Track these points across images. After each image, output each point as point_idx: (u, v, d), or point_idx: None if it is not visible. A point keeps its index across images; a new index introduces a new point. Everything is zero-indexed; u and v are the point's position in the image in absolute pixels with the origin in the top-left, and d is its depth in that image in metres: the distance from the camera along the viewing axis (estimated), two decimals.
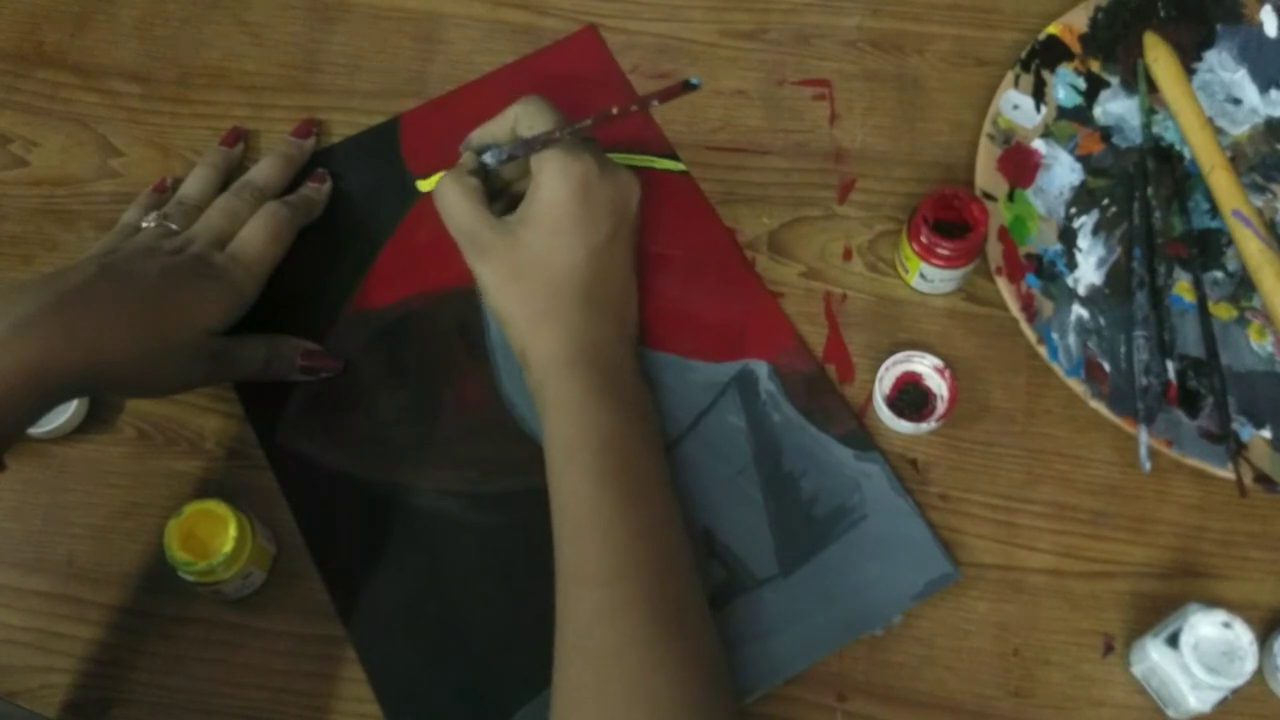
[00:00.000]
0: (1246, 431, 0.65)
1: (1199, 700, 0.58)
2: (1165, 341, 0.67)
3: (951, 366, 0.66)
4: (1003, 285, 0.68)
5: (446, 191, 0.65)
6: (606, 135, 0.74)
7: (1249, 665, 0.58)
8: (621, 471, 0.59)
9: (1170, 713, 0.61)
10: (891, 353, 0.67)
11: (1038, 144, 0.73)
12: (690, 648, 0.55)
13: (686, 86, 0.61)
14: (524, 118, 0.64)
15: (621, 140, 0.74)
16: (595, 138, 0.65)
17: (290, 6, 0.80)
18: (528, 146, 0.64)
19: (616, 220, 0.64)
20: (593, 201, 0.63)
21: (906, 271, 0.70)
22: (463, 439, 0.67)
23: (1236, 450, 0.64)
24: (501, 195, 0.68)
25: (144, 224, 0.68)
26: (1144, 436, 0.64)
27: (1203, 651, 0.58)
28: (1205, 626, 0.58)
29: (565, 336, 0.62)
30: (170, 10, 0.80)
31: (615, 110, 0.62)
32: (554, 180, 0.62)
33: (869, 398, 0.68)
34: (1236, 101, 0.74)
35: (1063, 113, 0.73)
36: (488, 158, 0.66)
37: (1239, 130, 0.73)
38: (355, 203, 0.74)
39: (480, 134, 0.67)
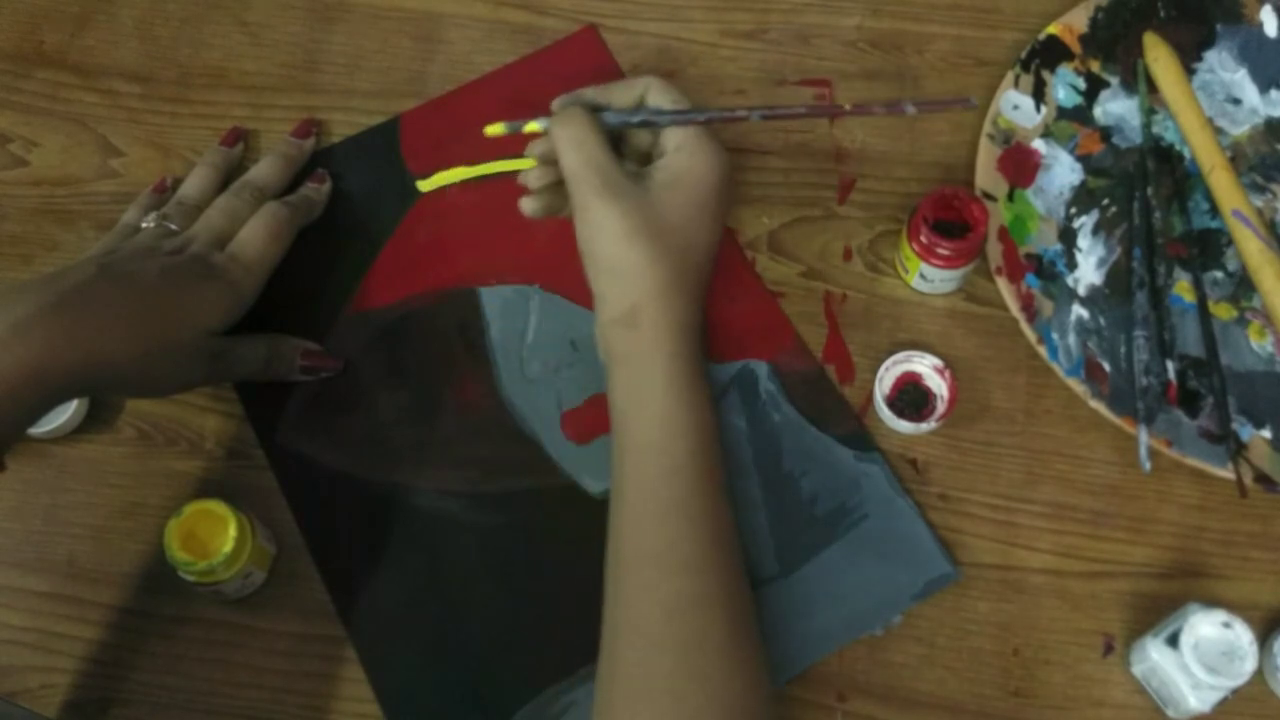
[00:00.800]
0: (1246, 431, 0.65)
1: (1199, 700, 0.58)
2: (1165, 341, 0.67)
3: (951, 366, 0.66)
4: (1003, 285, 0.68)
5: (578, 122, 0.61)
6: None
7: (1249, 665, 0.58)
8: (715, 461, 0.58)
9: (1170, 713, 0.61)
10: (891, 353, 0.67)
11: (1038, 144, 0.73)
12: (754, 653, 0.55)
13: (963, 103, 0.61)
14: (654, 92, 0.62)
15: None
16: None
17: (290, 6, 0.80)
18: (656, 117, 0.61)
19: (725, 225, 0.63)
20: (725, 197, 0.62)
21: (906, 271, 0.70)
22: (463, 439, 0.67)
23: (1236, 450, 0.64)
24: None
25: (144, 224, 0.68)
26: (1144, 436, 0.64)
27: (1203, 651, 0.58)
28: (1205, 626, 0.58)
29: (688, 311, 0.60)
30: (170, 10, 0.80)
31: (803, 108, 0.62)
32: (710, 158, 0.61)
33: (869, 398, 0.68)
34: (1236, 101, 0.74)
35: (1063, 113, 0.73)
36: (612, 117, 0.62)
37: (1239, 130, 0.73)
38: (355, 203, 0.74)
39: (598, 92, 0.63)
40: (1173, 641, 0.59)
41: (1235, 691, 0.58)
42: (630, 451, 0.58)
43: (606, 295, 0.60)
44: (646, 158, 0.64)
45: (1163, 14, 0.75)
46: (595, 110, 0.63)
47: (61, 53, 0.79)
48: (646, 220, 0.59)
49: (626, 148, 0.65)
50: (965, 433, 0.67)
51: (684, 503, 0.57)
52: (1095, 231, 0.71)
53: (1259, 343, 0.68)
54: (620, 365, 0.60)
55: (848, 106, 0.62)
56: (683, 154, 0.61)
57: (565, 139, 0.61)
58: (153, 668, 0.64)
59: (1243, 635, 0.58)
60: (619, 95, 0.64)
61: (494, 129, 0.65)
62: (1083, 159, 0.73)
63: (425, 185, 0.74)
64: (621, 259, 0.59)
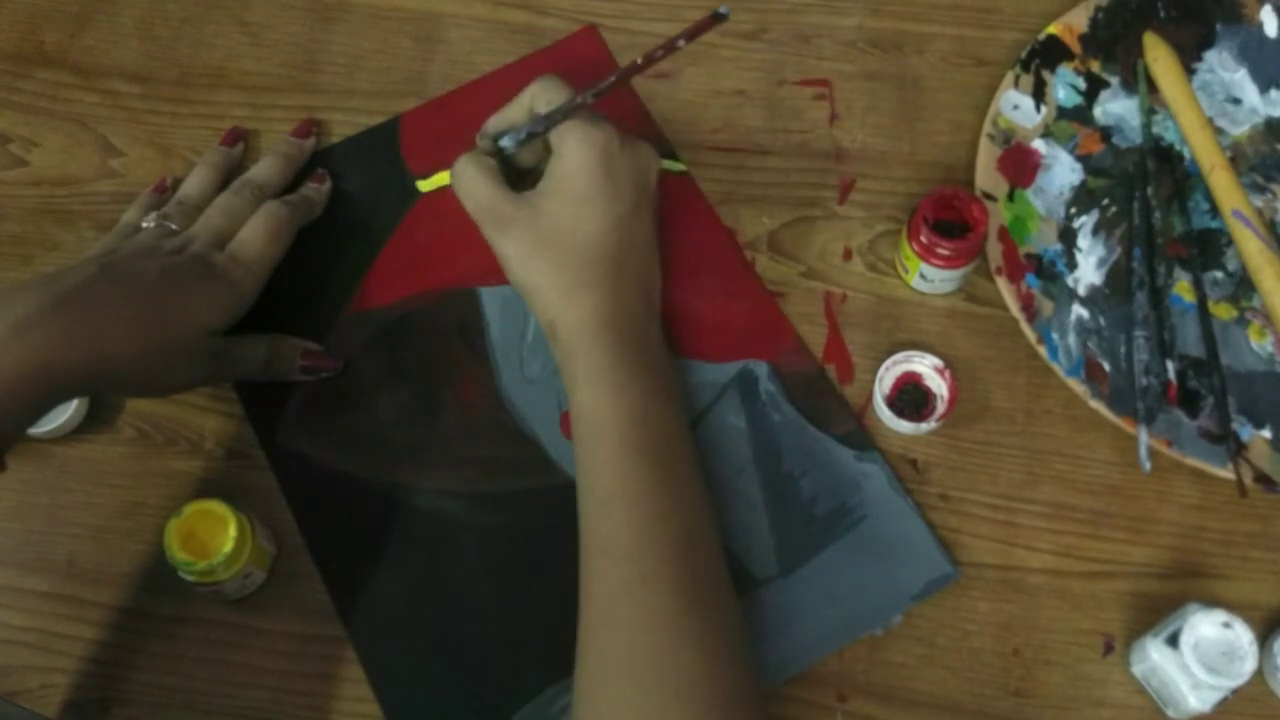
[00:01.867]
0: (1246, 431, 0.65)
1: (1199, 700, 0.58)
2: (1165, 341, 0.67)
3: (951, 366, 0.66)
4: (1003, 285, 0.68)
5: (462, 171, 0.64)
6: None
7: (1249, 665, 0.58)
8: (650, 444, 0.58)
9: (1170, 713, 0.61)
10: (891, 353, 0.67)
11: (1038, 144, 0.73)
12: (717, 622, 0.55)
13: (715, 18, 0.57)
14: (541, 96, 0.64)
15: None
16: (610, 118, 0.65)
17: (290, 6, 0.80)
18: (547, 121, 0.63)
19: (638, 191, 0.63)
20: (615, 171, 0.62)
21: (906, 271, 0.70)
22: (463, 439, 0.67)
23: (1236, 450, 0.64)
24: (523, 181, 0.67)
25: (144, 224, 0.68)
26: (1144, 436, 0.64)
27: (1203, 651, 0.58)
28: (1205, 626, 0.58)
29: (594, 306, 0.61)
30: (170, 10, 0.80)
31: (640, 60, 0.60)
32: (576, 149, 0.62)
33: (869, 398, 0.68)
34: (1236, 101, 0.74)
35: (1063, 113, 0.73)
36: (506, 141, 0.65)
37: (1239, 130, 0.73)
38: (355, 203, 0.74)
39: (496, 120, 0.66)
40: (1173, 641, 0.59)
41: (1235, 691, 0.58)
42: (577, 447, 0.60)
43: (535, 318, 0.63)
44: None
45: (1163, 14, 0.75)
46: (499, 137, 0.65)
47: (61, 53, 0.79)
48: (535, 238, 0.62)
49: (541, 166, 0.66)
50: (965, 433, 0.67)
51: (618, 489, 0.57)
52: (1095, 231, 0.71)
53: (1259, 343, 0.68)
54: (562, 373, 0.62)
55: (639, 60, 0.60)
56: (557, 155, 0.63)
57: (459, 189, 0.65)
58: (153, 668, 0.64)
59: (1243, 635, 0.58)
60: (512, 115, 0.66)
61: (424, 185, 0.73)
62: (1083, 159, 0.73)
63: (425, 185, 0.74)
64: (525, 282, 0.63)
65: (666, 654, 0.53)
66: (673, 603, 0.54)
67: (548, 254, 0.62)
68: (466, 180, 0.64)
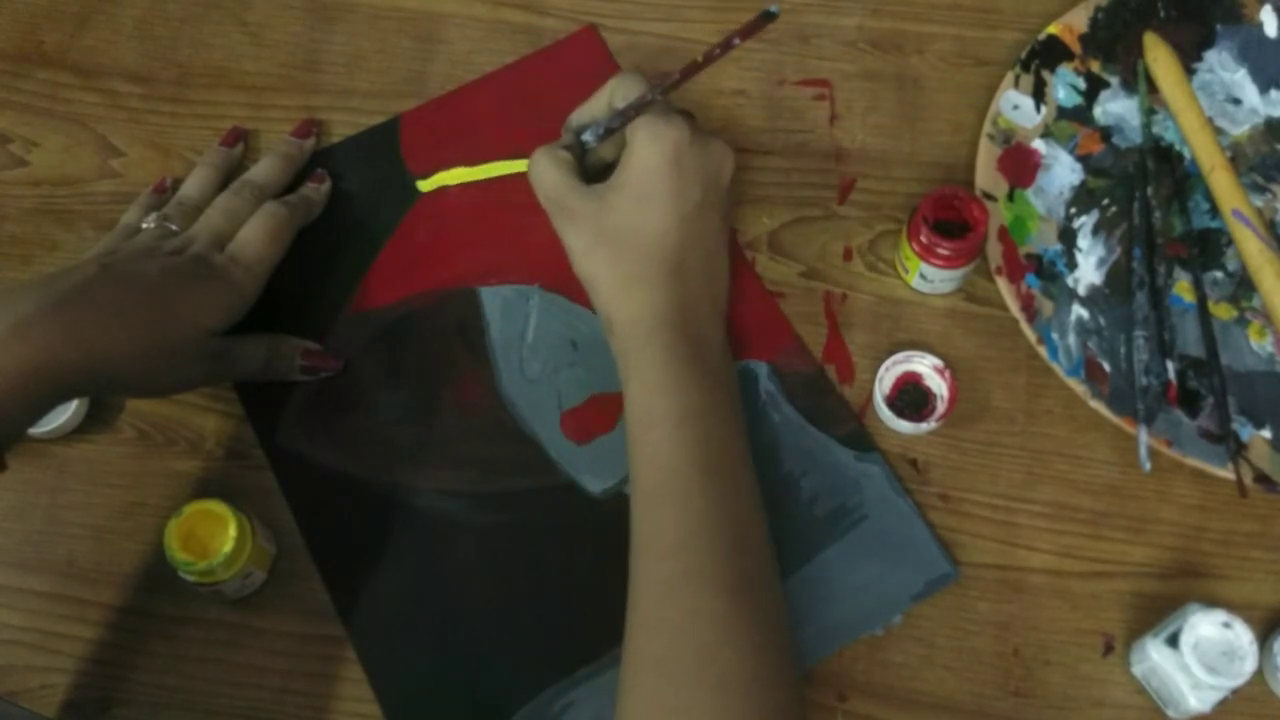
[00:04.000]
0: (1246, 431, 0.65)
1: (1199, 700, 0.58)
2: (1165, 341, 0.67)
3: (951, 366, 0.66)
4: (1003, 285, 0.68)
5: (536, 161, 0.64)
6: None
7: (1249, 665, 0.58)
8: (701, 443, 0.58)
9: (1170, 713, 0.61)
10: (891, 353, 0.67)
11: (1038, 144, 0.73)
12: (762, 623, 0.55)
13: (766, 17, 0.58)
14: (619, 90, 0.64)
15: None
16: (690, 111, 0.65)
17: (290, 6, 0.80)
18: (621, 117, 0.63)
19: (707, 189, 0.63)
20: (684, 168, 0.62)
21: (906, 271, 0.70)
22: (463, 439, 0.67)
23: (1236, 450, 0.64)
24: (604, 175, 0.66)
25: (144, 224, 0.68)
26: (1144, 436, 0.64)
27: (1203, 651, 0.58)
28: (1205, 626, 0.58)
29: (651, 302, 0.61)
30: (170, 10, 0.80)
31: (700, 58, 0.61)
32: (646, 146, 0.61)
33: (869, 398, 0.68)
34: (1236, 101, 0.74)
35: (1063, 113, 0.73)
36: (587, 135, 0.65)
37: (1239, 130, 0.73)
38: (355, 203, 0.74)
39: (579, 114, 0.66)
40: (1173, 641, 0.59)
41: (1235, 691, 0.58)
42: (629, 444, 0.59)
43: (595, 310, 0.63)
44: None
45: (1163, 14, 0.75)
46: (581, 131, 0.65)
47: (61, 53, 0.79)
48: (596, 231, 0.62)
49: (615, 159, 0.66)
50: (965, 433, 0.67)
51: (667, 486, 0.57)
52: (1095, 231, 0.71)
53: (1259, 343, 0.68)
54: (618, 367, 0.62)
55: (700, 59, 0.61)
56: (628, 150, 0.63)
57: (532, 179, 0.65)
58: (153, 668, 0.64)
59: (1243, 635, 0.58)
60: (593, 109, 0.66)
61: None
62: (1083, 159, 0.73)
63: (425, 185, 0.74)
64: (586, 273, 0.63)
65: (709, 652, 0.53)
66: (717, 601, 0.54)
67: (609, 248, 0.62)
68: (539, 170, 0.64)
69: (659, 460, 0.58)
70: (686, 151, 0.62)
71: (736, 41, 0.60)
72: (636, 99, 0.62)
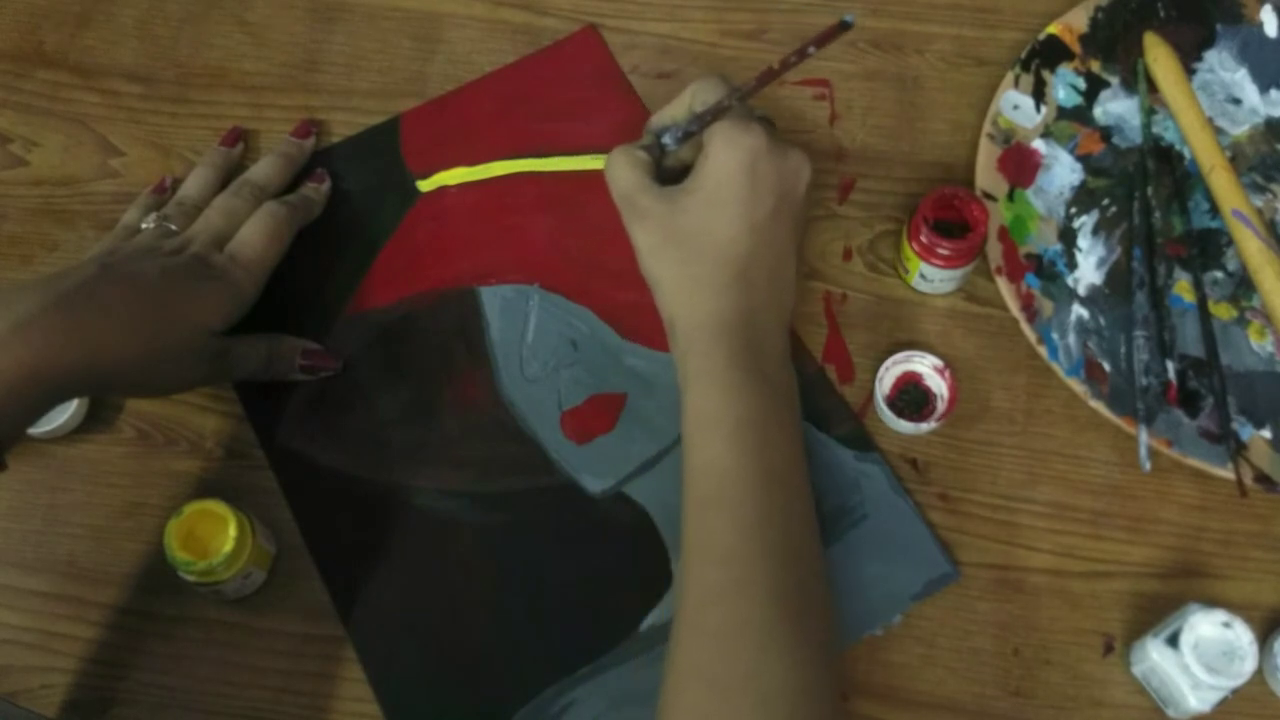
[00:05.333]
0: (1246, 431, 0.65)
1: (1199, 700, 0.58)
2: (1165, 341, 0.67)
3: (951, 366, 0.66)
4: (1003, 285, 0.68)
5: (614, 159, 0.64)
6: (606, 137, 0.74)
7: (1249, 665, 0.58)
8: (757, 450, 0.57)
9: (1170, 713, 0.61)
10: (891, 353, 0.67)
11: (1038, 144, 0.73)
12: (809, 636, 0.54)
13: (842, 26, 0.58)
14: (699, 94, 0.64)
15: (622, 141, 0.74)
16: (770, 118, 0.65)
17: (290, 6, 0.80)
18: (699, 121, 0.63)
19: (780, 198, 0.62)
20: (758, 175, 0.61)
21: (906, 271, 0.70)
22: (463, 439, 0.67)
23: (1236, 450, 0.64)
24: (682, 178, 0.65)
25: (144, 225, 0.68)
26: (1144, 436, 0.64)
27: (1203, 651, 0.58)
28: (1205, 626, 0.58)
29: (715, 308, 0.60)
30: (170, 10, 0.80)
31: (776, 64, 0.61)
32: (721, 151, 0.61)
33: (869, 398, 0.68)
34: (1236, 101, 0.74)
35: (1063, 113, 0.73)
36: (666, 138, 0.65)
37: (1239, 130, 0.73)
38: (355, 203, 0.74)
39: (659, 117, 0.66)
40: (1173, 641, 0.59)
41: (1235, 691, 0.58)
42: (684, 448, 0.59)
43: (660, 311, 0.63)
44: None
45: (1163, 14, 0.75)
46: (661, 134, 0.65)
47: (61, 53, 0.79)
48: (666, 233, 0.61)
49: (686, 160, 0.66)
50: (965, 433, 0.67)
51: (720, 492, 0.57)
52: (1095, 231, 0.71)
53: (1259, 343, 0.68)
54: (677, 370, 0.61)
55: (776, 65, 0.62)
56: (704, 154, 0.62)
57: (607, 177, 0.65)
58: (153, 668, 0.64)
59: (1243, 635, 0.58)
60: (674, 112, 0.65)
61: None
62: (1083, 159, 0.73)
63: (425, 185, 0.74)
64: (652, 274, 0.62)
65: (753, 663, 0.52)
66: (766, 611, 0.53)
67: (676, 250, 0.61)
68: (614, 168, 0.64)
69: (713, 466, 0.57)
70: (762, 159, 0.61)
71: (811, 50, 0.60)
72: (715, 104, 0.62)
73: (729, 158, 0.61)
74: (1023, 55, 0.74)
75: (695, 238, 0.61)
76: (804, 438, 0.61)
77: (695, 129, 0.63)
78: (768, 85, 0.62)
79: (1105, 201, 0.72)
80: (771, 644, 0.53)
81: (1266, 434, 0.65)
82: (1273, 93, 0.74)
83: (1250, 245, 0.68)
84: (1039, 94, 0.73)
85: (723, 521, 0.56)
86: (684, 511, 0.57)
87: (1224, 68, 0.75)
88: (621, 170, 0.64)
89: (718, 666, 0.53)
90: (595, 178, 0.73)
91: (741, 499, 0.56)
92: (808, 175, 0.63)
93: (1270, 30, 0.75)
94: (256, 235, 0.67)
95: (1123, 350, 0.67)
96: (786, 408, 0.60)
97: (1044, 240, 0.70)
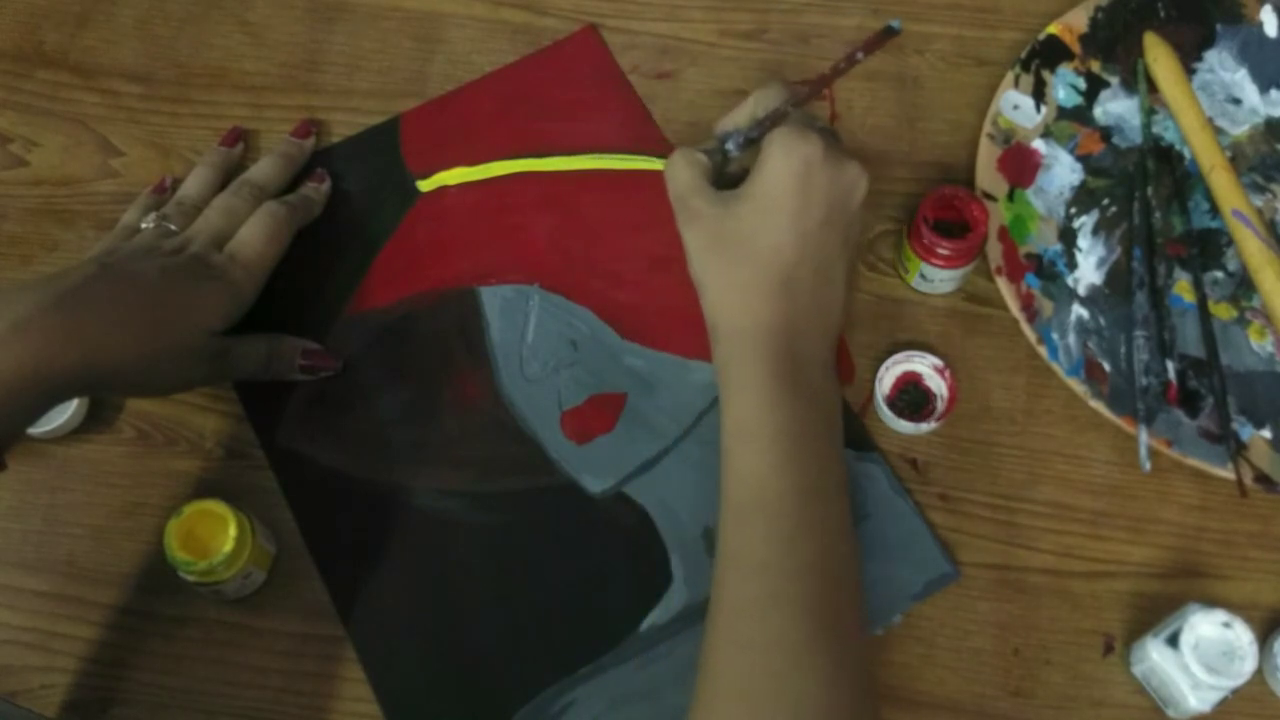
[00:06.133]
0: (1246, 431, 0.65)
1: (1199, 700, 0.58)
2: (1165, 341, 0.67)
3: (951, 366, 0.66)
4: (1003, 285, 0.68)
5: (674, 160, 0.64)
6: (605, 137, 0.74)
7: (1249, 665, 0.58)
8: (796, 461, 0.57)
9: (1170, 713, 0.61)
10: (891, 353, 0.67)
11: (1038, 144, 0.73)
12: (843, 653, 0.54)
13: (889, 32, 0.58)
14: (762, 100, 0.63)
15: (622, 141, 0.74)
16: (832, 129, 0.64)
17: (290, 6, 0.80)
18: (760, 127, 0.62)
19: (832, 208, 0.61)
20: (812, 185, 0.60)
21: (906, 271, 0.70)
22: (462, 439, 0.67)
23: (1236, 450, 0.64)
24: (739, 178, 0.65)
25: (144, 225, 0.68)
26: (1144, 436, 0.64)
27: (1203, 651, 0.58)
28: (1205, 626, 0.58)
29: (759, 314, 0.60)
30: (170, 10, 0.80)
31: (828, 70, 0.61)
32: (776, 158, 0.60)
33: (869, 398, 0.68)
34: (1236, 101, 0.74)
35: (1063, 113, 0.73)
36: (730, 144, 0.64)
37: (1239, 130, 0.73)
38: (355, 203, 0.74)
39: (724, 121, 0.65)
40: (1173, 641, 0.59)
41: (1235, 691, 0.58)
42: (722, 455, 0.59)
43: (703, 310, 0.62)
44: None
45: (1163, 14, 0.75)
46: (724, 139, 0.65)
47: (61, 53, 0.79)
48: (715, 236, 0.61)
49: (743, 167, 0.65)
50: (965, 433, 0.67)
51: (758, 501, 0.56)
52: (1095, 231, 0.71)
53: (1259, 343, 0.68)
54: (718, 376, 0.61)
55: (829, 71, 0.62)
56: (760, 160, 0.61)
57: (667, 179, 0.64)
58: (153, 668, 0.64)
59: (1243, 635, 0.58)
60: (738, 117, 0.64)
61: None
62: (1083, 159, 0.73)
63: (425, 185, 0.74)
64: (699, 276, 0.62)
65: (787, 678, 0.52)
66: (800, 626, 0.53)
67: (724, 254, 0.61)
68: (674, 168, 0.63)
69: (751, 477, 0.57)
70: (816, 168, 0.60)
71: (860, 56, 0.60)
72: (774, 110, 0.62)
73: (783, 165, 0.60)
74: (1023, 55, 0.74)
75: (743, 243, 0.60)
76: (844, 451, 0.60)
77: (756, 135, 0.63)
78: (821, 90, 0.62)
79: (1105, 201, 0.72)
80: (804, 661, 0.53)
81: (1266, 434, 0.65)
82: (1273, 93, 0.74)
83: (1250, 245, 0.68)
84: (1039, 94, 0.73)
85: (758, 533, 0.55)
86: (720, 520, 0.57)
87: (1224, 68, 0.75)
88: (679, 170, 0.63)
89: (750, 679, 0.52)
90: (595, 178, 0.73)
91: (779, 511, 0.56)
92: (864, 188, 0.62)
93: (1270, 30, 0.75)
94: (256, 235, 0.67)
95: (1123, 350, 0.67)
96: (826, 420, 0.60)
97: (1044, 240, 0.70)
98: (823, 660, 0.53)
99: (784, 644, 0.53)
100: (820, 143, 0.60)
